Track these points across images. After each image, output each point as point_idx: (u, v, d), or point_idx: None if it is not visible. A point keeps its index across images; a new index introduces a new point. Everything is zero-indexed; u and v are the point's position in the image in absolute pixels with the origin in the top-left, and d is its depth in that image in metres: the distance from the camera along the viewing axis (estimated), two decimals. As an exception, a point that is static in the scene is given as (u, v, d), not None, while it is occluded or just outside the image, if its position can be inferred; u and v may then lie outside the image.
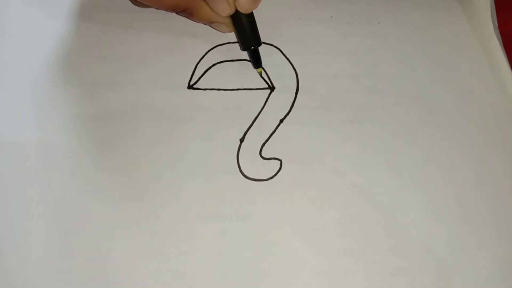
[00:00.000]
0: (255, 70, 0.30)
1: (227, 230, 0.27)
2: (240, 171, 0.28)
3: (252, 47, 0.29)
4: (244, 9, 0.28)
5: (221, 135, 0.28)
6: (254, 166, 0.28)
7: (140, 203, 0.27)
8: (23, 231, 0.26)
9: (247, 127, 0.29)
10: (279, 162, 0.28)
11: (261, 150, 0.28)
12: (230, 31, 0.30)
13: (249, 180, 0.28)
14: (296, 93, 0.30)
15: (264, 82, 0.30)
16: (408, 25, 0.33)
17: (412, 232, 0.27)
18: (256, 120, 0.29)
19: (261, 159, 0.28)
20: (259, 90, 0.30)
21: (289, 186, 0.28)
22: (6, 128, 0.28)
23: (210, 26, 0.30)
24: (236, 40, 0.31)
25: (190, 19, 0.30)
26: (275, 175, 0.28)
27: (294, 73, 0.30)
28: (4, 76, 0.30)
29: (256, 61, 0.30)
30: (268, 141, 0.29)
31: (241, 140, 0.28)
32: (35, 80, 0.29)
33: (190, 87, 0.30)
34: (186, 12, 0.28)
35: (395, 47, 0.32)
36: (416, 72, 0.31)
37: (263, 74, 0.30)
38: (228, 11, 0.27)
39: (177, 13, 0.30)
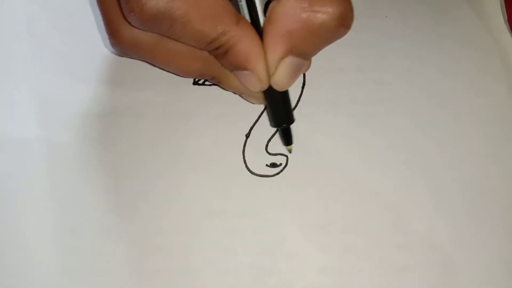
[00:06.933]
0: None
1: (232, 227, 0.27)
2: (246, 166, 0.28)
3: (284, 125, 0.27)
4: (280, 87, 0.24)
5: (227, 130, 0.28)
6: (260, 161, 0.28)
7: (144, 199, 0.27)
8: (28, 228, 0.26)
9: (253, 122, 0.28)
10: (285, 157, 0.28)
11: (267, 145, 0.28)
12: (260, 104, 0.28)
13: (255, 176, 0.27)
14: (303, 88, 0.29)
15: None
16: (415, 18, 0.32)
17: (418, 229, 0.27)
18: (262, 115, 0.29)
19: (267, 154, 0.28)
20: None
21: (295, 182, 0.27)
22: (11, 125, 0.28)
23: (239, 95, 0.28)
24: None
25: (220, 86, 0.28)
26: (281, 171, 0.28)
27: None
28: (8, 72, 0.29)
29: (286, 138, 0.27)
30: (274, 137, 0.28)
31: (247, 136, 0.28)
32: (40, 77, 0.29)
33: (195, 83, 0.29)
34: (214, 80, 0.26)
35: (402, 40, 0.31)
36: (424, 65, 0.31)
37: None
38: (259, 87, 0.24)
39: (207, 81, 0.28)
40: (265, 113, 0.29)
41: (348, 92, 0.30)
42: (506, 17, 0.32)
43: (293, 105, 0.29)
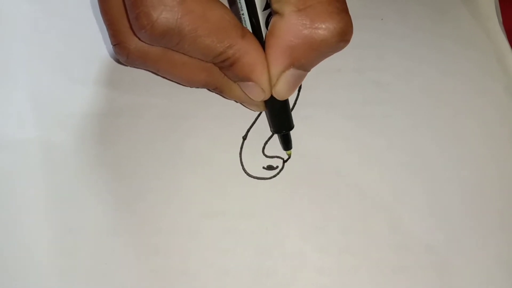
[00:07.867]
0: None
1: (231, 228, 0.27)
2: (243, 169, 0.28)
3: (284, 131, 0.27)
4: (281, 96, 0.25)
5: (224, 132, 0.28)
6: (257, 163, 0.28)
7: (143, 200, 0.27)
8: (26, 228, 0.26)
9: (250, 124, 0.29)
10: (282, 160, 0.28)
11: (264, 147, 0.28)
12: (260, 111, 0.29)
13: (252, 178, 0.28)
14: (299, 90, 0.29)
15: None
16: (412, 20, 0.32)
17: (415, 230, 0.27)
18: (259, 118, 0.29)
19: (264, 157, 0.28)
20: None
21: (294, 183, 0.28)
22: (10, 125, 0.28)
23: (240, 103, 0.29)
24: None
25: (222, 96, 0.28)
26: (278, 173, 0.28)
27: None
28: (8, 73, 0.29)
29: (286, 144, 0.28)
30: (271, 139, 0.28)
31: (244, 138, 0.28)
32: (38, 78, 0.29)
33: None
34: (217, 90, 0.27)
35: (400, 41, 0.31)
36: (423, 65, 0.31)
37: None
38: (262, 97, 0.25)
39: (208, 90, 0.28)
40: (262, 116, 0.29)
41: (346, 93, 0.30)
42: (501, 20, 0.32)
43: (291, 103, 0.29)
